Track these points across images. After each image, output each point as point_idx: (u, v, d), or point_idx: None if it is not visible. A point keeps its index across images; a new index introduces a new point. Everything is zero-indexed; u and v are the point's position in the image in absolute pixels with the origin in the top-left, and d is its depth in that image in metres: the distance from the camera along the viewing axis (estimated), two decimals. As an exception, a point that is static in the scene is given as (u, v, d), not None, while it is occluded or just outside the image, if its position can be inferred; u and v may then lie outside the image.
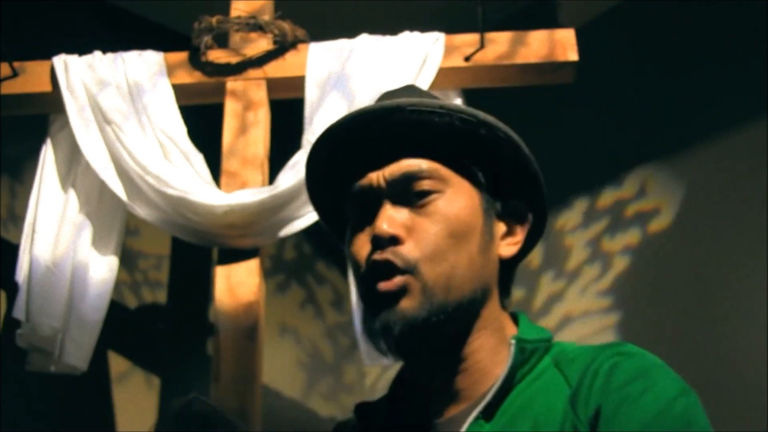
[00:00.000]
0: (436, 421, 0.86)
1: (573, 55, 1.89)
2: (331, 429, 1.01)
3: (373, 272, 0.84)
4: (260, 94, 1.94)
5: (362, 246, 0.87)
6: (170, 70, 1.96)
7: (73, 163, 1.93)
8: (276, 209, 1.80)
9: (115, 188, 1.86)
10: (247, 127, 1.91)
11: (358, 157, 0.88)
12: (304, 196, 1.80)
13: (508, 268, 0.92)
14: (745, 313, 1.99)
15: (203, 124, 1.95)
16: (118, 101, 1.89)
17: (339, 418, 1.03)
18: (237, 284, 1.80)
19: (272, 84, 1.96)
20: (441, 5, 2.57)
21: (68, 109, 1.89)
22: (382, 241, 0.83)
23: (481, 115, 0.87)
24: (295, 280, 2.77)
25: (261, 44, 1.98)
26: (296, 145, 1.86)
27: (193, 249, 1.98)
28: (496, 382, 0.83)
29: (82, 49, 1.98)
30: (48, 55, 1.97)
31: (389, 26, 1.97)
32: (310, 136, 1.85)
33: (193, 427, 0.88)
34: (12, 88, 1.95)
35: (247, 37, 1.99)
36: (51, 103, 1.95)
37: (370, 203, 0.87)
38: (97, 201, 1.93)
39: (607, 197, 2.40)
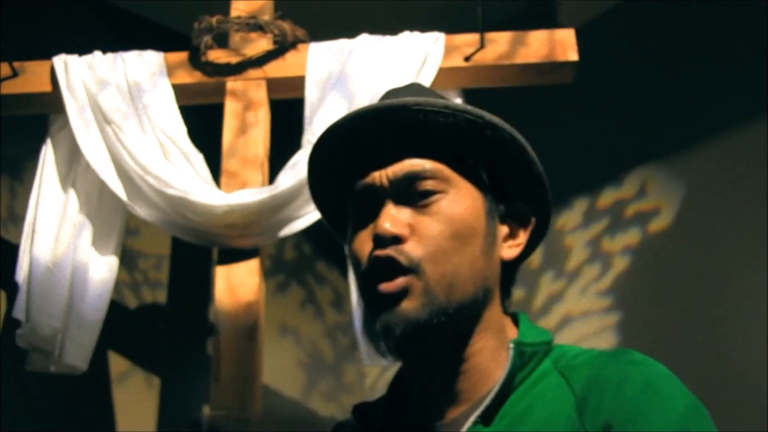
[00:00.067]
0: (436, 423, 0.85)
1: (573, 55, 1.89)
2: (330, 429, 1.00)
3: (375, 270, 0.83)
4: (260, 94, 1.94)
5: (363, 244, 0.86)
6: (170, 70, 1.96)
7: (73, 163, 1.93)
8: (276, 209, 1.80)
9: (115, 188, 1.86)
10: (247, 127, 1.91)
11: (361, 155, 0.88)
12: (304, 196, 1.80)
13: (510, 269, 0.91)
14: (745, 313, 1.99)
15: (203, 124, 1.95)
16: (118, 101, 1.89)
17: (339, 418, 1.03)
18: (237, 284, 1.80)
19: (272, 84, 1.96)
20: (441, 5, 2.57)
21: (68, 109, 1.89)
22: (384, 240, 0.83)
23: (487, 115, 0.86)
24: (295, 280, 2.77)
25: (261, 44, 1.98)
26: (296, 145, 1.86)
27: (193, 249, 1.98)
28: (495, 385, 0.83)
29: (82, 49, 1.98)
30: (48, 55, 1.97)
31: (389, 26, 1.97)
32: (310, 136, 1.85)
33: None
34: (12, 88, 1.95)
35: (247, 37, 1.99)
36: (51, 103, 1.95)
37: (373, 202, 0.86)
38: (97, 201, 1.93)
39: (607, 197, 2.40)
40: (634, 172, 2.36)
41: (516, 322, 0.91)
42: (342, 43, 1.95)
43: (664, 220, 2.25)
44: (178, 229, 1.87)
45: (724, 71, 2.22)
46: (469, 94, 1.96)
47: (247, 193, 1.80)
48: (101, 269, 1.90)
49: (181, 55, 2.00)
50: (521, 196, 0.91)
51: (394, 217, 0.84)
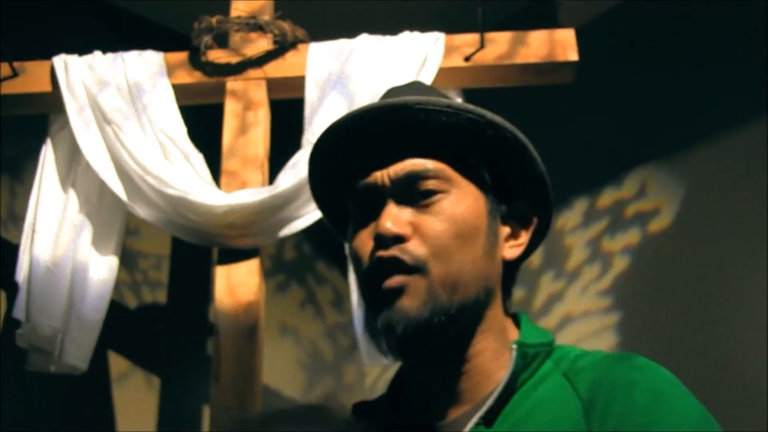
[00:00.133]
0: (437, 423, 0.85)
1: (573, 55, 1.89)
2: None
3: (378, 269, 0.83)
4: (260, 94, 1.94)
5: (364, 244, 0.86)
6: (170, 70, 1.96)
7: (73, 163, 1.93)
8: (276, 209, 1.80)
9: (115, 188, 1.86)
10: (247, 127, 1.91)
11: (363, 154, 0.87)
12: (304, 196, 1.80)
13: (511, 269, 0.91)
14: (745, 313, 1.99)
15: (203, 124, 1.95)
16: (118, 101, 1.89)
17: (339, 418, 1.03)
18: (237, 284, 1.80)
19: (272, 84, 1.96)
20: (441, 5, 2.57)
21: (68, 109, 1.89)
22: (386, 240, 0.82)
23: (489, 115, 0.86)
24: (295, 280, 2.77)
25: (261, 44, 1.98)
26: (296, 145, 1.86)
27: (193, 249, 1.98)
28: (497, 386, 0.82)
29: (82, 49, 1.98)
30: (48, 55, 1.97)
31: (389, 26, 1.97)
32: (310, 136, 1.84)
33: None
34: (12, 88, 1.95)
35: (247, 37, 1.99)
36: (51, 103, 1.95)
37: (374, 202, 0.86)
38: (97, 201, 1.93)
39: (607, 197, 2.40)
40: (634, 172, 2.36)
41: (517, 322, 0.91)
42: (342, 43, 1.95)
43: (664, 220, 2.25)
44: (178, 229, 1.87)
45: (724, 71, 2.22)
46: (469, 94, 1.96)
47: (247, 193, 1.80)
48: (101, 269, 1.90)
49: (181, 55, 1.99)
50: (523, 196, 0.90)
51: (395, 217, 0.83)
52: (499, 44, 1.92)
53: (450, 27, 1.97)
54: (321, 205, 1.00)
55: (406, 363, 0.90)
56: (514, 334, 0.89)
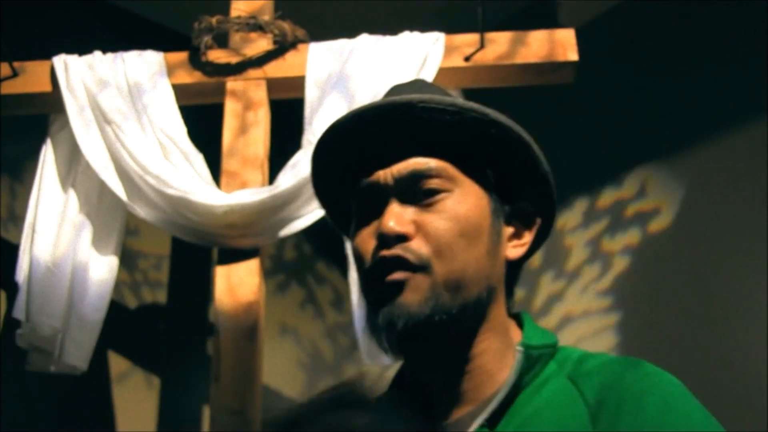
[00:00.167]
0: (440, 423, 0.84)
1: (573, 55, 1.89)
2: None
3: (380, 268, 0.82)
4: (260, 94, 1.94)
5: (367, 242, 0.85)
6: (170, 70, 1.96)
7: (73, 163, 1.93)
8: (276, 209, 1.80)
9: (115, 188, 1.86)
10: (247, 127, 1.91)
11: (366, 152, 0.87)
12: (304, 196, 1.80)
13: (514, 269, 0.91)
14: (745, 313, 1.99)
15: (203, 124, 1.95)
16: (118, 101, 1.89)
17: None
18: (237, 284, 1.80)
19: (272, 84, 1.96)
20: (441, 5, 2.57)
21: (68, 109, 1.89)
22: (389, 239, 0.82)
23: (493, 113, 0.86)
24: (295, 280, 2.77)
25: (261, 44, 1.98)
26: (296, 145, 1.86)
27: (193, 249, 1.98)
28: (501, 388, 0.82)
29: (82, 49, 1.98)
30: (48, 55, 1.97)
31: (389, 26, 1.97)
32: (310, 136, 1.85)
33: None
34: (12, 88, 1.95)
35: (247, 37, 1.99)
36: (51, 103, 1.95)
37: (377, 201, 0.85)
38: (97, 201, 1.93)
39: (607, 197, 2.40)
40: (634, 172, 2.36)
41: (519, 322, 0.91)
42: (342, 43, 1.95)
43: (664, 220, 2.25)
44: (178, 229, 1.87)
45: (724, 71, 2.22)
46: (469, 94, 1.95)
47: (247, 193, 1.80)
48: (101, 269, 1.90)
49: (181, 55, 1.99)
50: (526, 195, 0.90)
51: (398, 216, 0.83)
52: (499, 44, 1.92)
53: (450, 27, 1.97)
54: (324, 204, 1.00)
55: (407, 360, 0.90)
56: (516, 334, 0.88)
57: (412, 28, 1.95)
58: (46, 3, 2.37)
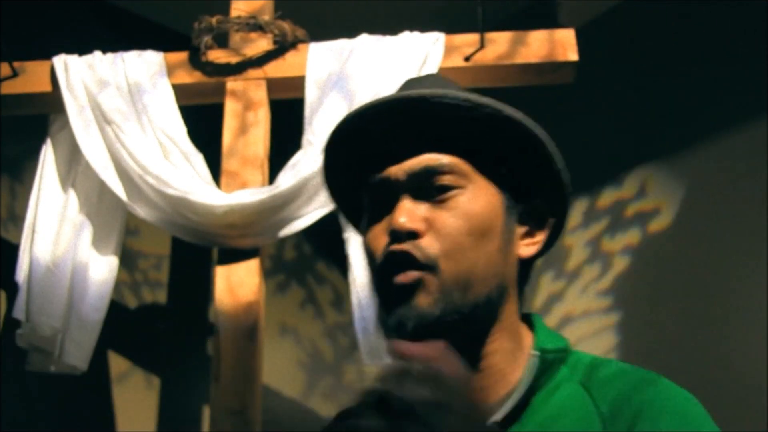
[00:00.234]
0: None
1: (573, 55, 1.89)
2: (335, 415, 0.98)
3: (390, 263, 0.81)
4: (260, 94, 1.94)
5: (378, 238, 0.84)
6: (170, 70, 1.96)
7: (73, 163, 1.93)
8: (276, 209, 1.80)
9: (115, 188, 1.86)
10: (247, 127, 1.91)
11: (378, 147, 0.86)
12: (304, 196, 1.80)
13: (525, 267, 0.89)
14: (745, 313, 1.99)
15: (203, 124, 1.95)
16: (118, 101, 1.89)
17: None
18: (237, 284, 1.80)
19: (272, 84, 1.96)
20: (441, 5, 2.57)
21: (68, 109, 1.89)
22: (400, 235, 0.81)
23: (508, 109, 0.85)
24: (295, 280, 2.77)
25: (261, 44, 1.98)
26: (296, 145, 1.86)
27: (193, 249, 1.98)
28: (514, 391, 0.81)
29: (82, 49, 1.98)
30: (48, 55, 1.97)
31: (389, 26, 1.97)
32: (310, 136, 1.84)
33: None
34: (12, 88, 1.95)
35: (247, 37, 1.99)
36: (51, 103, 1.95)
37: (389, 196, 0.84)
38: (97, 201, 1.93)
39: (607, 197, 2.40)
40: (634, 172, 2.36)
41: (529, 323, 0.90)
42: (342, 43, 1.95)
43: (664, 220, 2.25)
44: (178, 229, 1.87)
45: (724, 71, 2.22)
46: (469, 94, 1.95)
47: (247, 193, 1.80)
48: (101, 269, 1.90)
49: (181, 55, 1.99)
50: (540, 193, 0.89)
51: (410, 212, 0.82)
52: (499, 44, 1.92)
53: (450, 27, 1.97)
54: (334, 198, 0.98)
55: None
56: (527, 335, 0.88)
57: (412, 28, 1.95)
58: (46, 3, 2.37)
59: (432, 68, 1.88)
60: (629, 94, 2.43)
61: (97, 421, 2.22)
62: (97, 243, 1.91)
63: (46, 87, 1.96)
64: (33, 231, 1.85)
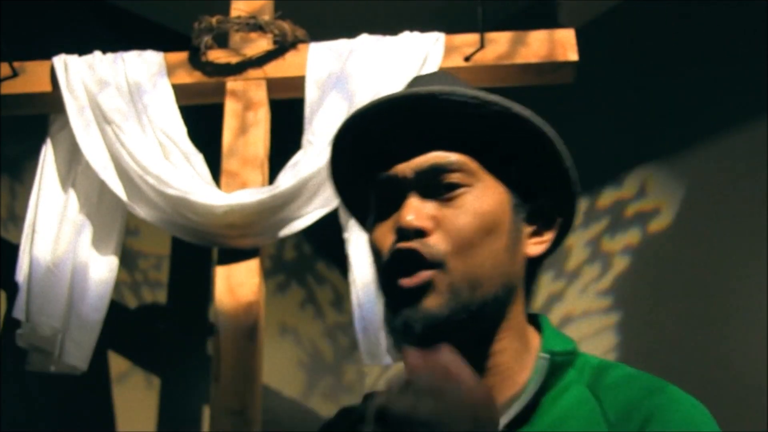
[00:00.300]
0: None
1: (573, 55, 1.89)
2: (336, 413, 0.98)
3: (396, 262, 0.81)
4: (260, 94, 1.94)
5: (385, 235, 0.83)
6: (170, 70, 1.96)
7: (73, 163, 1.93)
8: (276, 209, 1.80)
9: (115, 188, 1.86)
10: (247, 127, 1.91)
11: (386, 144, 0.85)
12: (304, 196, 1.80)
13: (533, 267, 0.89)
14: (745, 313, 1.99)
15: (203, 124, 1.95)
16: (118, 101, 1.89)
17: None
18: (237, 284, 1.80)
19: (272, 84, 1.96)
20: (441, 5, 2.57)
21: (68, 109, 1.89)
22: (408, 233, 0.80)
23: (516, 107, 0.84)
24: (295, 280, 2.77)
25: (261, 44, 1.98)
26: (296, 145, 1.86)
27: (193, 249, 1.98)
28: (522, 391, 0.81)
29: (82, 49, 1.98)
30: (48, 55, 1.97)
31: (389, 26, 1.97)
32: (310, 136, 1.85)
33: None
34: (12, 88, 1.95)
35: (247, 37, 1.99)
36: (51, 103, 1.95)
37: (396, 194, 0.84)
38: (97, 201, 1.93)
39: (607, 197, 2.40)
40: (634, 172, 2.36)
41: (536, 324, 0.89)
42: (342, 43, 1.95)
43: (664, 220, 2.25)
44: (178, 229, 1.87)
45: (724, 71, 2.22)
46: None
47: (247, 193, 1.80)
48: (101, 269, 1.90)
49: (181, 55, 1.99)
50: (548, 192, 0.88)
51: (417, 210, 0.81)
52: (499, 44, 1.92)
53: (450, 27, 1.97)
54: (341, 195, 0.98)
55: None
56: (534, 336, 0.87)
57: (412, 28, 1.95)
58: (46, 3, 2.37)
59: (432, 68, 1.88)
60: (629, 94, 2.43)
61: (97, 421, 2.22)
62: (97, 243, 1.91)
63: (46, 87, 1.96)
64: (33, 231, 1.85)
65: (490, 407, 0.70)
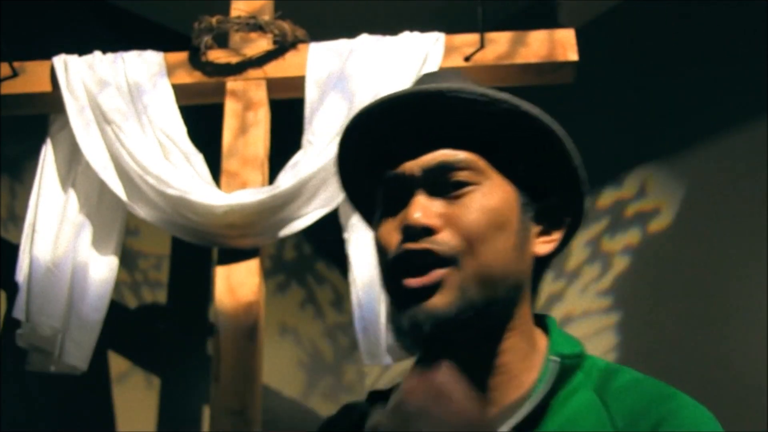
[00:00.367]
0: None
1: (573, 55, 1.89)
2: (340, 408, 0.97)
3: (403, 263, 0.80)
4: (260, 94, 1.94)
5: (391, 233, 0.83)
6: (170, 70, 1.96)
7: (73, 163, 1.93)
8: (276, 209, 1.80)
9: (115, 188, 1.86)
10: (247, 127, 1.91)
11: (393, 141, 0.85)
12: (304, 196, 1.80)
13: (541, 266, 0.88)
14: (745, 313, 1.99)
15: (203, 124, 1.95)
16: (118, 101, 1.89)
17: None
18: (237, 284, 1.80)
19: (272, 84, 1.96)
20: (441, 5, 2.57)
21: (68, 109, 1.89)
22: (415, 230, 0.80)
23: (525, 105, 0.83)
24: (295, 280, 2.77)
25: (261, 44, 1.98)
26: (296, 145, 1.86)
27: (193, 249, 1.98)
28: (529, 394, 0.80)
29: (82, 49, 1.98)
30: (48, 55, 1.97)
31: (389, 26, 1.97)
32: (310, 136, 1.85)
33: None
34: (12, 88, 1.95)
35: (247, 37, 1.99)
36: (51, 103, 1.95)
37: (403, 192, 0.83)
38: (97, 201, 1.93)
39: (607, 197, 2.40)
40: (634, 172, 2.36)
41: (542, 325, 0.88)
42: (342, 43, 1.95)
43: (664, 220, 2.25)
44: (178, 229, 1.87)
45: (724, 71, 2.22)
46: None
47: (247, 193, 1.80)
48: (101, 269, 1.90)
49: (181, 55, 1.99)
50: (556, 192, 0.87)
51: (425, 208, 0.81)
52: (499, 44, 1.92)
53: (450, 27, 1.97)
54: (347, 191, 0.97)
55: (431, 357, 0.85)
56: (541, 337, 0.87)
57: (412, 28, 1.95)
58: (46, 3, 2.37)
59: (432, 68, 1.88)
60: (629, 94, 2.43)
61: (97, 421, 2.22)
62: (97, 243, 1.91)
63: (46, 87, 1.96)
64: (33, 231, 1.85)
65: (482, 429, 0.70)
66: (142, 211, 1.86)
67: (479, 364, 0.82)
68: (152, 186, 1.81)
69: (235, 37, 2.00)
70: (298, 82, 1.92)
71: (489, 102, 0.82)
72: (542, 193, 0.86)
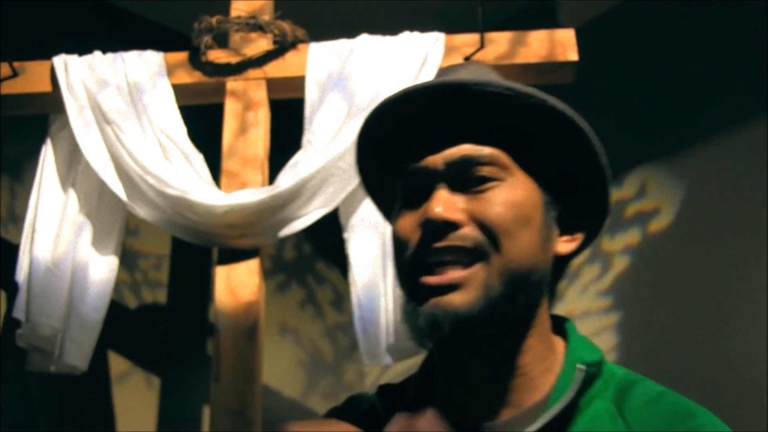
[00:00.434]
0: (483, 424, 0.80)
1: (573, 55, 1.89)
2: (345, 399, 0.96)
3: (425, 259, 0.78)
4: (260, 94, 1.94)
5: (409, 227, 0.81)
6: (170, 70, 1.96)
7: (73, 163, 1.93)
8: (276, 209, 1.80)
9: (115, 188, 1.86)
10: (247, 127, 1.91)
11: (415, 133, 0.82)
12: (305, 196, 1.80)
13: (561, 265, 0.86)
14: (745, 313, 1.99)
15: (203, 124, 1.95)
16: (118, 101, 1.89)
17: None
18: (237, 284, 1.80)
19: (272, 84, 1.96)
20: (441, 5, 2.57)
21: (68, 109, 1.89)
22: (436, 225, 0.77)
23: (552, 100, 0.81)
24: (295, 280, 2.77)
25: (261, 44, 1.98)
26: (296, 145, 1.86)
27: (193, 249, 1.98)
28: (548, 398, 0.78)
29: (82, 49, 1.98)
30: (48, 55, 1.97)
31: (389, 26, 1.97)
32: (310, 136, 1.85)
33: None
34: (12, 88, 1.95)
35: (247, 37, 1.99)
36: (51, 103, 1.95)
37: (424, 186, 0.81)
38: (97, 201, 1.93)
39: (607, 197, 2.40)
40: (634, 172, 2.36)
41: (559, 327, 0.87)
42: (342, 43, 1.95)
43: (664, 220, 2.26)
44: (178, 229, 1.87)
45: (724, 71, 2.22)
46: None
47: (247, 193, 1.80)
48: (101, 269, 1.90)
49: (181, 55, 1.99)
50: (581, 191, 0.85)
51: (447, 202, 0.78)
52: (499, 44, 1.92)
53: (450, 27, 1.97)
54: (365, 183, 0.95)
55: (447, 354, 0.84)
56: (558, 340, 0.85)
57: (412, 28, 1.95)
58: (46, 3, 2.37)
59: (432, 68, 1.88)
60: (629, 94, 2.43)
61: (97, 421, 2.22)
62: (97, 243, 1.91)
63: (46, 87, 1.96)
64: (33, 231, 1.85)
65: None
66: (142, 211, 1.86)
67: (498, 363, 0.81)
68: (152, 186, 1.81)
69: (235, 37, 2.00)
70: (298, 82, 1.92)
71: (515, 96, 0.80)
72: (565, 192, 0.84)
